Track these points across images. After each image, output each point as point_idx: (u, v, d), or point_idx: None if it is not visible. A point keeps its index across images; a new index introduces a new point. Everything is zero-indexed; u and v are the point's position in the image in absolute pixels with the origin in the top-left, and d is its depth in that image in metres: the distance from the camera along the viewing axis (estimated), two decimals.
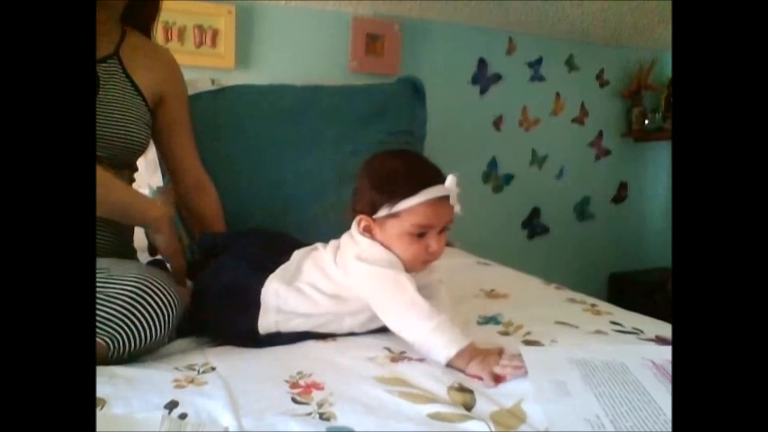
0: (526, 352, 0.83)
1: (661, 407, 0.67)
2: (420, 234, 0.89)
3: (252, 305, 0.92)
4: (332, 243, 0.99)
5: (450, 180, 0.88)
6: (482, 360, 0.79)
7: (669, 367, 0.77)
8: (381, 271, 0.88)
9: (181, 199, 1.32)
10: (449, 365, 0.80)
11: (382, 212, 0.89)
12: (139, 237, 1.61)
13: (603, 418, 0.65)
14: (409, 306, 0.85)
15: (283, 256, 1.00)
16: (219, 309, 0.95)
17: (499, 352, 0.81)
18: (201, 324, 0.96)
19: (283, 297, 0.92)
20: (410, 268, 0.92)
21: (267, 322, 0.92)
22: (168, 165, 1.30)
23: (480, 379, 0.77)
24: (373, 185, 0.90)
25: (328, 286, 0.92)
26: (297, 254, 1.00)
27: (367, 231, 0.92)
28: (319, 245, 1.01)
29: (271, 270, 0.96)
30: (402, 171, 0.90)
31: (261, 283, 0.94)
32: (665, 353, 0.83)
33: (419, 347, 0.83)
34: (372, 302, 0.89)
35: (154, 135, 1.23)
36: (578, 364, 0.78)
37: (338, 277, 0.92)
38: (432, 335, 0.82)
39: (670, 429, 0.62)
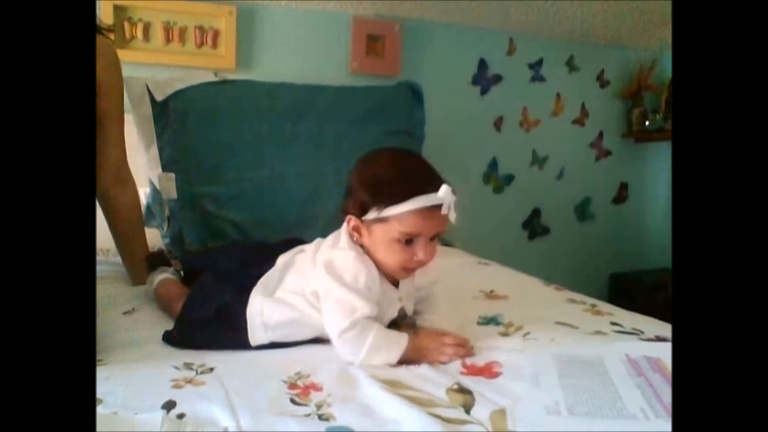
0: (509, 352, 0.86)
1: (620, 395, 0.73)
2: (408, 241, 0.86)
3: (240, 328, 0.91)
4: (317, 242, 0.98)
5: (444, 189, 0.83)
6: (425, 348, 0.86)
7: (643, 362, 0.82)
8: (336, 290, 0.87)
9: (99, 192, 1.29)
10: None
11: (371, 215, 0.86)
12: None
13: (561, 405, 0.71)
14: (347, 331, 0.84)
15: (264, 267, 0.98)
16: (210, 335, 0.93)
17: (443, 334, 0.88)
18: (195, 342, 0.93)
19: (267, 313, 0.91)
20: (392, 274, 0.91)
21: (257, 339, 0.91)
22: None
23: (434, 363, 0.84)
24: (364, 186, 0.88)
25: (307, 285, 0.92)
26: (281, 260, 0.99)
27: (356, 231, 0.90)
28: (305, 246, 1.00)
29: (252, 287, 0.94)
30: (393, 175, 0.87)
31: (245, 304, 0.92)
32: (643, 349, 0.87)
33: (366, 362, 0.83)
34: (322, 309, 0.89)
35: None
36: (557, 359, 0.83)
37: (313, 276, 0.91)
38: (371, 352, 0.83)
39: (624, 414, 0.68)
